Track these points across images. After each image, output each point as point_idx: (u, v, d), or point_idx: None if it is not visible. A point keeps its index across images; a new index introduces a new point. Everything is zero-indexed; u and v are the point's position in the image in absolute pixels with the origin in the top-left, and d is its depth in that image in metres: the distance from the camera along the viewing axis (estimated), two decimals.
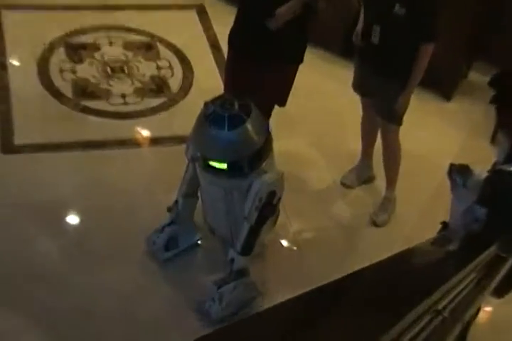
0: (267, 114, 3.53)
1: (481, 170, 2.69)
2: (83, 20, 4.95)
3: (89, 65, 4.67)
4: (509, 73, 3.40)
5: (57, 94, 4.44)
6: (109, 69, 4.67)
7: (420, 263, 2.63)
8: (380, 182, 4.11)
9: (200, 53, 4.90)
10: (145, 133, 4.36)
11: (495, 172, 2.69)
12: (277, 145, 3.32)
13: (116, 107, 4.42)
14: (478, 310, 2.90)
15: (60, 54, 4.71)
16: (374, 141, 4.07)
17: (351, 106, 4.12)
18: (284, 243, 3.85)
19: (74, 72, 4.62)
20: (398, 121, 3.77)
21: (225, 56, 3.84)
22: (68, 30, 4.86)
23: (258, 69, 3.48)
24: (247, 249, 3.28)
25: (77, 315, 3.32)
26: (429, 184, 4.10)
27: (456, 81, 4.87)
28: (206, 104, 3.13)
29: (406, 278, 2.24)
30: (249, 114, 3.08)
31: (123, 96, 4.50)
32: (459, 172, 2.71)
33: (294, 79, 3.65)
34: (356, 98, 3.95)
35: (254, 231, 3.27)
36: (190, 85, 4.66)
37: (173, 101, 4.54)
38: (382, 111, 3.77)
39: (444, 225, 2.82)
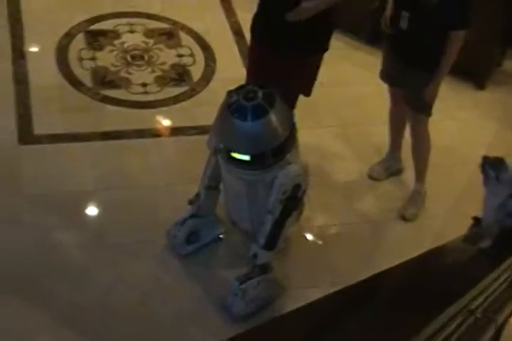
0: (292, 104, 3.44)
1: None
2: (103, 7, 4.86)
3: (109, 53, 4.59)
4: None
5: (76, 83, 4.37)
6: (129, 57, 4.58)
7: (451, 262, 2.58)
8: (409, 175, 4.01)
9: (222, 41, 4.80)
10: (166, 122, 4.28)
11: None
12: (302, 136, 3.23)
13: (137, 96, 4.34)
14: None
15: (79, 42, 4.63)
16: (402, 132, 3.97)
17: (379, 96, 4.03)
18: (309, 237, 3.77)
19: (93, 59, 4.54)
20: (428, 111, 3.67)
21: (248, 44, 3.74)
22: (88, 17, 4.78)
23: (281, 59, 3.38)
24: (270, 244, 3.20)
25: (97, 310, 3.28)
26: (460, 177, 4.00)
27: (490, 69, 4.75)
28: (229, 93, 3.06)
29: (436, 277, 2.20)
30: (273, 104, 3.00)
31: (143, 85, 4.42)
32: (492, 166, 2.61)
33: (318, 68, 3.55)
34: (384, 87, 3.85)
35: (278, 225, 3.18)
36: (213, 74, 4.57)
37: (194, 90, 4.45)
38: (411, 101, 3.67)
39: (476, 220, 2.73)
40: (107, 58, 4.55)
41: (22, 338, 3.15)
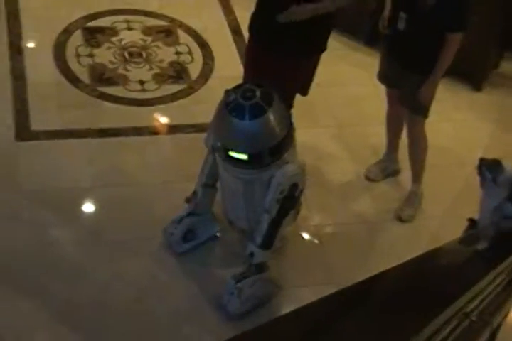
0: (289, 103, 3.44)
1: None
2: (101, 4, 4.85)
3: (107, 50, 4.58)
4: None
5: (73, 79, 4.36)
6: (127, 55, 4.58)
7: (447, 264, 2.58)
8: (406, 176, 4.01)
9: (221, 39, 4.80)
10: (163, 120, 4.27)
11: None
12: (298, 136, 3.23)
13: (134, 94, 4.33)
14: (507, 313, 2.80)
15: (77, 38, 4.62)
16: (400, 133, 3.97)
17: (376, 97, 4.04)
18: (305, 236, 3.76)
19: (91, 56, 4.53)
20: (424, 112, 3.67)
21: (246, 42, 3.73)
22: (85, 13, 4.77)
23: (277, 58, 3.38)
24: (267, 243, 3.20)
25: (93, 307, 3.27)
26: (457, 178, 4.01)
27: (487, 71, 4.76)
28: (227, 92, 3.05)
29: (432, 279, 2.20)
30: (271, 104, 3.00)
31: (141, 82, 4.41)
32: (489, 168, 2.61)
33: (316, 68, 3.56)
34: (382, 88, 3.85)
35: (275, 225, 3.19)
36: (211, 72, 4.56)
37: (192, 88, 4.45)
38: (408, 102, 3.67)
39: (472, 222, 2.73)
40: (105, 55, 4.54)
41: (18, 334, 3.14)
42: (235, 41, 4.77)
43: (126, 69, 4.47)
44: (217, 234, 3.62)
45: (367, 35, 4.75)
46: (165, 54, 4.62)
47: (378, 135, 4.07)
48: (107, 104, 4.24)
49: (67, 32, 4.65)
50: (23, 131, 4.01)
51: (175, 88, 4.41)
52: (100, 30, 4.72)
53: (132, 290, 3.35)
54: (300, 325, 1.75)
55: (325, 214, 3.89)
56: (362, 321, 1.82)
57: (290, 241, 3.62)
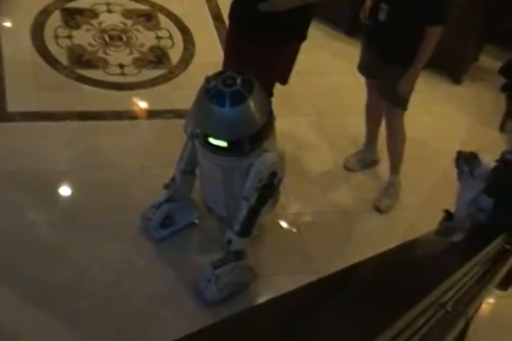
0: (268, 92, 3.42)
1: (490, 160, 2.63)
2: None
3: (86, 32, 4.53)
4: None
5: (51, 60, 4.31)
6: (107, 37, 4.53)
7: (423, 255, 2.59)
8: (384, 166, 4.03)
9: (202, 25, 4.77)
10: (143, 105, 4.25)
11: (503, 162, 2.62)
12: (278, 124, 3.22)
13: (114, 77, 4.29)
14: (480, 303, 2.85)
15: (55, 19, 4.55)
16: (379, 124, 3.98)
17: (356, 87, 4.04)
18: (284, 225, 3.78)
19: (70, 37, 4.47)
20: (403, 105, 3.68)
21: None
22: None
23: (257, 46, 3.36)
24: (245, 231, 3.21)
25: (68, 291, 3.25)
26: (435, 170, 4.03)
27: (467, 64, 4.78)
28: (208, 78, 3.03)
29: (409, 270, 2.20)
30: (252, 91, 2.99)
31: (121, 66, 4.37)
32: (466, 161, 2.65)
33: (296, 57, 3.54)
34: (361, 78, 3.85)
35: (254, 213, 3.19)
36: (191, 57, 4.54)
37: (172, 73, 4.42)
38: (387, 94, 3.67)
39: (447, 214, 2.77)
40: (84, 37, 4.49)
41: None
42: (216, 27, 4.74)
43: (106, 53, 4.43)
44: (196, 221, 3.61)
45: (347, 25, 4.74)
46: (145, 38, 4.58)
47: (357, 125, 4.08)
48: (86, 87, 4.20)
49: (45, 12, 4.59)
50: (0, 112, 3.95)
51: (155, 73, 4.38)
52: (79, 11, 4.66)
53: (109, 274, 3.33)
54: (278, 313, 1.75)
55: (303, 202, 3.90)
56: (340, 310, 1.82)
57: (268, 229, 3.63)
